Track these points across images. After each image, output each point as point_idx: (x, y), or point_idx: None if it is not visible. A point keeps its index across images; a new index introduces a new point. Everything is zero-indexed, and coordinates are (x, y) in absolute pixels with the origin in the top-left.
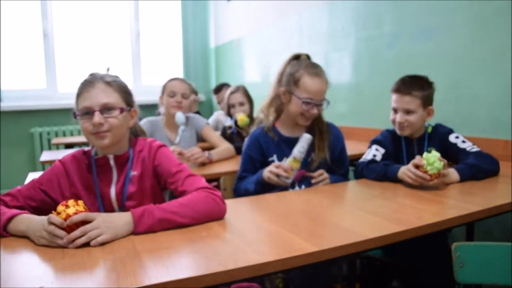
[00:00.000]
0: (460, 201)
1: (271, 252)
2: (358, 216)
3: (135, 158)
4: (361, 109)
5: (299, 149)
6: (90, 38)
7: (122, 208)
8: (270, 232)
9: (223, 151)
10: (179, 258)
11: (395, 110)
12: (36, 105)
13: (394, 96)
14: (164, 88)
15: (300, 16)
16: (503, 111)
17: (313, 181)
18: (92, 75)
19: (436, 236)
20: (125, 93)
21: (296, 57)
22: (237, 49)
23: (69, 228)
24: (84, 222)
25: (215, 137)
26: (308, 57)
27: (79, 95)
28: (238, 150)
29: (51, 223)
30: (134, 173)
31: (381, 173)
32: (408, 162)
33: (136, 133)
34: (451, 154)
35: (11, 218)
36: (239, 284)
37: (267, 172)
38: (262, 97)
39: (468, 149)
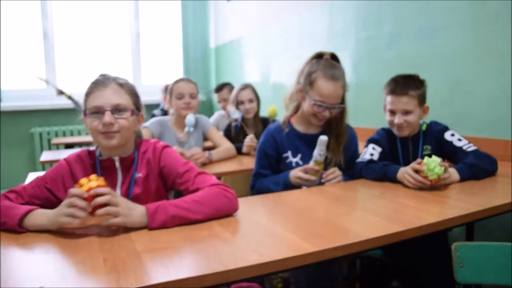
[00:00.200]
0: (460, 201)
1: (271, 252)
2: (358, 216)
3: (140, 159)
4: (361, 109)
5: (318, 152)
6: (90, 38)
7: None
8: (270, 232)
9: (224, 151)
10: (179, 258)
11: (392, 112)
12: (36, 105)
13: (389, 98)
14: (171, 90)
15: (300, 16)
16: (503, 111)
17: (323, 179)
18: (103, 75)
19: (436, 236)
20: (136, 97)
21: (319, 56)
22: (237, 49)
23: (90, 201)
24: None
25: (217, 137)
26: (333, 56)
27: (89, 94)
28: (238, 151)
29: (73, 195)
30: (139, 175)
31: (381, 173)
32: (403, 161)
33: (140, 136)
34: (447, 152)
35: (25, 214)
36: (239, 284)
37: (295, 178)
38: (262, 97)
39: (465, 147)
